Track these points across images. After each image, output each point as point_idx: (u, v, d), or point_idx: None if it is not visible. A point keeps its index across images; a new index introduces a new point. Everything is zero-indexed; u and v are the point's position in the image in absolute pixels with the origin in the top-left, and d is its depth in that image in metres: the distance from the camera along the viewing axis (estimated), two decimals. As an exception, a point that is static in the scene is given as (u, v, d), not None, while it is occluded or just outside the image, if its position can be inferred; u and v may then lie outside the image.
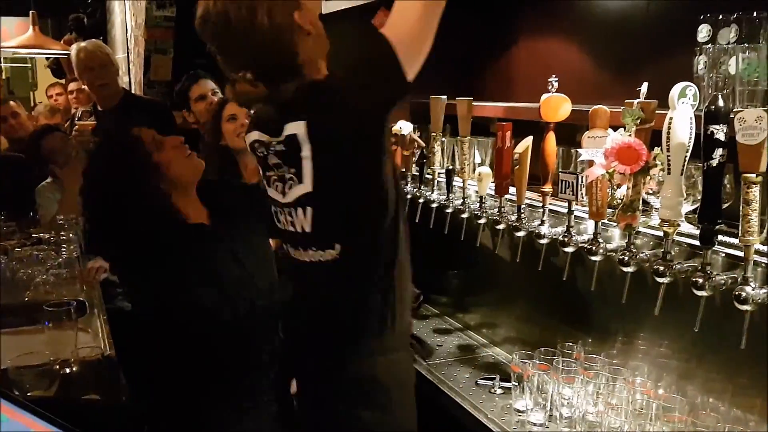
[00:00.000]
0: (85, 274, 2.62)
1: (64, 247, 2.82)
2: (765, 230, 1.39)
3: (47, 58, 6.62)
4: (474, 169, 2.27)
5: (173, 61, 4.56)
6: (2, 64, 6.64)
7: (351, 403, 1.46)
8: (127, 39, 5.56)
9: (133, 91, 5.25)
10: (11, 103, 4.19)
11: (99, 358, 1.95)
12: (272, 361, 1.74)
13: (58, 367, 1.82)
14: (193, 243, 1.73)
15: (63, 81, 5.73)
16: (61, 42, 6.02)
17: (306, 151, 1.39)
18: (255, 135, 1.52)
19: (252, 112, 1.63)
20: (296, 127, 1.40)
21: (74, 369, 1.86)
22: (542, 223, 1.94)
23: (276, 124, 1.44)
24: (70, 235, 2.95)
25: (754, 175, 1.26)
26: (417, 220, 2.53)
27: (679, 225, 1.47)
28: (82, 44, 3.66)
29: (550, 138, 1.89)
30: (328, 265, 1.44)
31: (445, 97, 2.36)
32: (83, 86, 3.83)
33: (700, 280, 1.39)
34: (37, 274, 2.59)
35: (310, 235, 1.45)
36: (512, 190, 2.04)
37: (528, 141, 1.99)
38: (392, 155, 1.52)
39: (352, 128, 1.36)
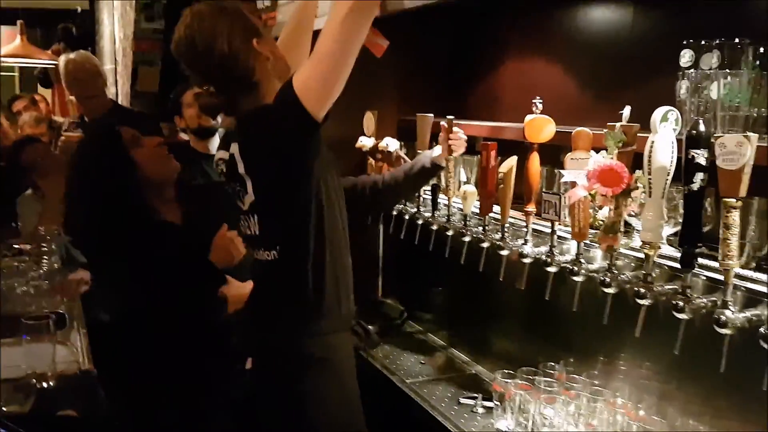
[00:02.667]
0: (65, 287, 2.58)
1: (45, 259, 2.78)
2: (745, 254, 1.41)
3: (35, 68, 6.58)
4: (459, 187, 2.28)
5: (160, 72, 4.56)
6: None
7: (293, 376, 1.69)
8: (115, 50, 5.55)
9: (120, 102, 5.23)
10: None
11: (77, 372, 1.92)
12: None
13: (34, 381, 1.79)
14: (163, 240, 1.78)
15: (27, 94, 5.69)
16: (49, 51, 6.00)
17: (242, 168, 1.66)
18: (219, 153, 1.79)
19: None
20: (234, 147, 1.67)
21: (51, 384, 1.83)
22: (526, 242, 1.94)
23: (226, 144, 1.73)
24: (52, 247, 2.92)
25: (734, 200, 1.27)
26: (402, 236, 2.53)
27: (659, 247, 1.48)
28: (71, 55, 3.65)
29: (534, 158, 1.90)
30: (272, 263, 1.70)
31: (432, 115, 2.37)
32: (70, 97, 3.82)
33: (680, 303, 1.40)
34: (17, 286, 2.55)
35: (259, 237, 1.72)
36: (497, 208, 2.04)
37: (513, 161, 2.00)
38: (327, 173, 1.70)
39: (270, 154, 1.61)
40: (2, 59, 5.84)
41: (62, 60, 3.70)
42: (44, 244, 2.92)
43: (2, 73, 7.13)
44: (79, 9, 7.80)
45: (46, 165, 3.09)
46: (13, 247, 2.95)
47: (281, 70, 1.70)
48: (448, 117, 2.15)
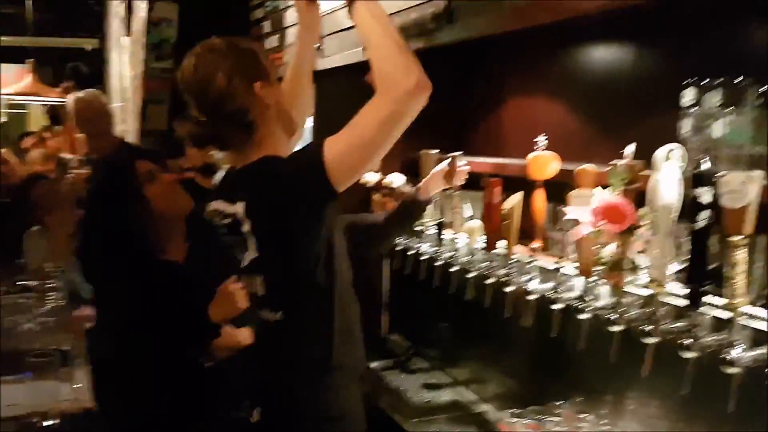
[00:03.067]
0: (70, 323, 2.59)
1: (51, 295, 2.79)
2: (752, 292, 1.40)
3: (44, 105, 6.68)
4: (464, 223, 2.28)
5: (169, 111, 4.61)
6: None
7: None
8: (124, 89, 5.63)
9: (128, 140, 5.28)
10: (1, 150, 4.21)
11: (80, 411, 1.91)
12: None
13: (37, 420, 1.79)
14: (163, 280, 1.76)
15: (36, 131, 5.76)
16: (59, 89, 6.09)
17: (246, 227, 1.60)
18: (217, 204, 1.70)
19: (213, 182, 1.89)
20: (240, 207, 1.60)
21: (55, 422, 1.82)
22: (531, 278, 1.94)
23: (228, 198, 1.65)
24: (58, 283, 2.92)
25: (739, 238, 1.27)
26: (407, 272, 2.53)
27: (665, 285, 1.47)
28: (80, 94, 3.71)
29: (539, 195, 1.91)
30: (278, 323, 1.65)
31: (436, 151, 2.39)
32: (79, 134, 3.86)
33: (688, 342, 1.39)
34: (22, 322, 2.56)
35: (264, 298, 1.67)
36: (502, 244, 2.04)
37: (517, 197, 2.00)
38: (334, 229, 1.64)
39: (281, 216, 1.56)
40: (13, 97, 5.93)
41: (71, 98, 3.75)
42: (50, 281, 2.94)
43: (13, 111, 7.25)
44: (89, 48, 7.96)
45: (53, 202, 3.12)
46: (18, 284, 2.96)
47: (284, 122, 1.69)
48: (454, 153, 2.17)
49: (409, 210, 2.17)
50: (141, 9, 4.66)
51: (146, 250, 1.83)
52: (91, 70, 6.61)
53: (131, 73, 5.23)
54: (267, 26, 4.04)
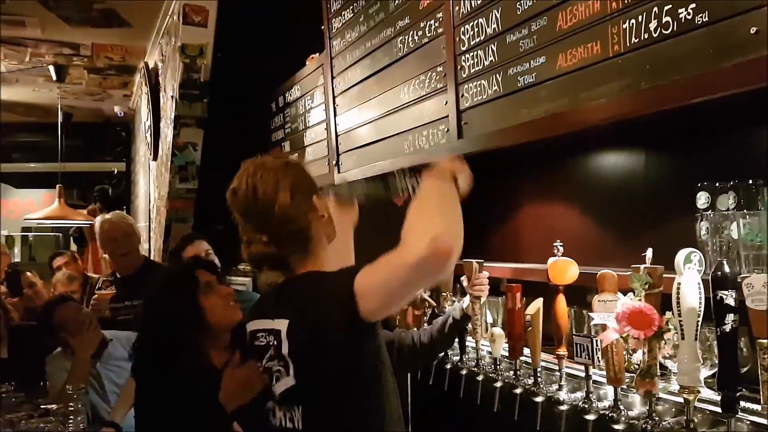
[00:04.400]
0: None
1: (71, 419, 2.75)
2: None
3: (70, 227, 6.87)
4: (486, 329, 2.26)
5: (192, 228, 4.74)
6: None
7: None
8: (149, 209, 5.81)
9: (152, 257, 5.39)
10: (28, 273, 4.29)
11: None
12: None
13: None
14: (206, 388, 1.76)
15: (68, 251, 5.89)
16: (86, 212, 6.29)
17: (285, 348, 1.51)
18: (260, 323, 1.62)
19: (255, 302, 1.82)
20: (282, 323, 1.53)
21: None
22: (560, 387, 1.89)
23: (271, 315, 1.58)
24: (79, 406, 2.89)
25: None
26: (430, 383, 2.48)
27: (699, 391, 1.44)
28: (107, 216, 3.79)
29: (561, 300, 1.90)
30: None
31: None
32: (104, 255, 3.94)
33: (728, 451, 1.34)
34: (43, 449, 2.51)
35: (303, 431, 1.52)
36: (526, 351, 2.02)
37: (539, 302, 2.00)
38: (383, 356, 1.54)
39: (319, 342, 1.46)
40: (42, 221, 6.12)
41: (98, 221, 3.83)
42: (71, 404, 2.90)
43: (41, 234, 7.46)
44: (116, 170, 8.30)
45: (77, 323, 3.11)
46: (40, 408, 2.92)
47: (330, 230, 1.65)
48: (477, 260, 2.18)
49: (458, 328, 2.12)
50: (167, 134, 4.90)
51: (194, 355, 1.86)
52: (118, 192, 6.85)
53: (156, 194, 5.42)
54: (287, 146, 4.22)
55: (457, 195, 1.52)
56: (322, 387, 1.49)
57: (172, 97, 4.73)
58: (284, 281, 1.63)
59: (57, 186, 6.42)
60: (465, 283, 2.18)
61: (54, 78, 6.30)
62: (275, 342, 1.54)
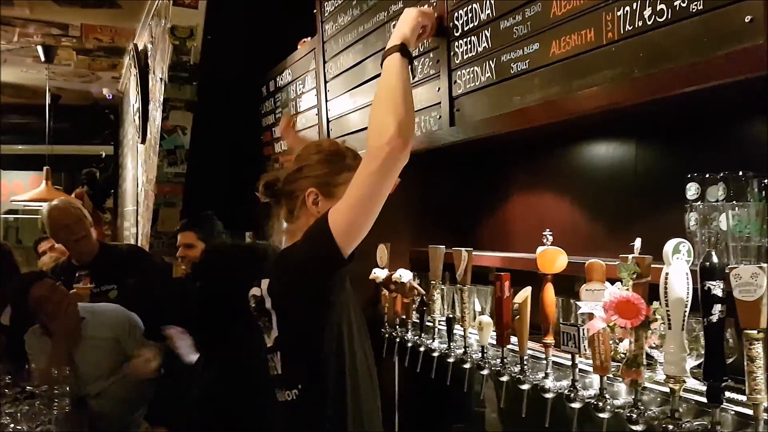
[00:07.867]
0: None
1: (56, 402, 2.73)
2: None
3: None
4: (474, 318, 2.26)
5: (181, 212, 4.71)
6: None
7: None
8: (137, 193, 5.76)
9: (139, 243, 5.36)
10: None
11: None
12: None
13: None
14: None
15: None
16: (73, 195, 6.23)
17: (268, 304, 1.72)
18: (252, 290, 1.81)
19: None
20: (264, 283, 1.73)
21: None
22: (546, 375, 1.90)
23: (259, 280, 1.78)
24: (66, 389, 2.86)
25: (755, 332, 1.25)
26: (418, 370, 2.48)
27: (685, 381, 1.44)
28: (53, 202, 3.56)
29: (549, 289, 1.90)
30: (291, 404, 1.70)
31: (443, 246, 2.41)
32: (57, 245, 3.77)
33: (712, 440, 1.34)
34: (28, 431, 2.49)
35: (281, 376, 1.72)
36: (514, 339, 2.02)
37: (527, 291, 1.99)
38: (351, 311, 1.73)
39: (296, 290, 1.67)
40: (27, 203, 6.07)
41: (45, 208, 3.56)
42: (57, 387, 2.87)
43: (27, 216, 7.40)
44: (104, 154, 8.23)
45: (54, 304, 2.98)
46: (26, 390, 2.89)
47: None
48: (466, 249, 2.18)
49: None
50: (156, 117, 4.85)
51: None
52: (106, 175, 6.79)
53: (144, 178, 5.37)
54: (277, 131, 4.20)
55: (408, 75, 1.66)
56: (298, 331, 1.68)
57: (161, 79, 4.68)
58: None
59: (44, 168, 6.37)
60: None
61: (42, 59, 6.22)
62: (260, 301, 1.74)
